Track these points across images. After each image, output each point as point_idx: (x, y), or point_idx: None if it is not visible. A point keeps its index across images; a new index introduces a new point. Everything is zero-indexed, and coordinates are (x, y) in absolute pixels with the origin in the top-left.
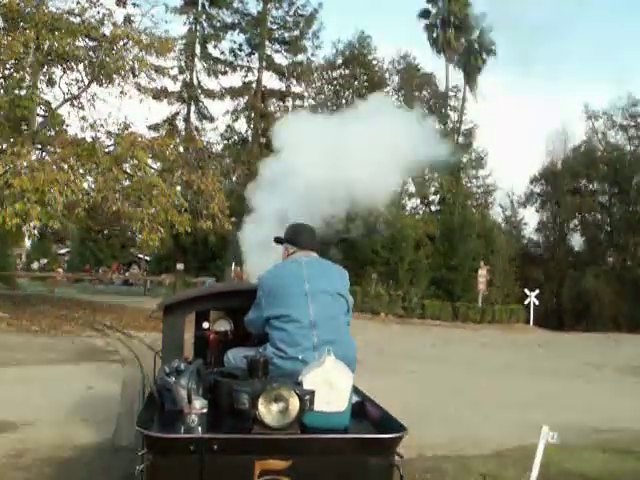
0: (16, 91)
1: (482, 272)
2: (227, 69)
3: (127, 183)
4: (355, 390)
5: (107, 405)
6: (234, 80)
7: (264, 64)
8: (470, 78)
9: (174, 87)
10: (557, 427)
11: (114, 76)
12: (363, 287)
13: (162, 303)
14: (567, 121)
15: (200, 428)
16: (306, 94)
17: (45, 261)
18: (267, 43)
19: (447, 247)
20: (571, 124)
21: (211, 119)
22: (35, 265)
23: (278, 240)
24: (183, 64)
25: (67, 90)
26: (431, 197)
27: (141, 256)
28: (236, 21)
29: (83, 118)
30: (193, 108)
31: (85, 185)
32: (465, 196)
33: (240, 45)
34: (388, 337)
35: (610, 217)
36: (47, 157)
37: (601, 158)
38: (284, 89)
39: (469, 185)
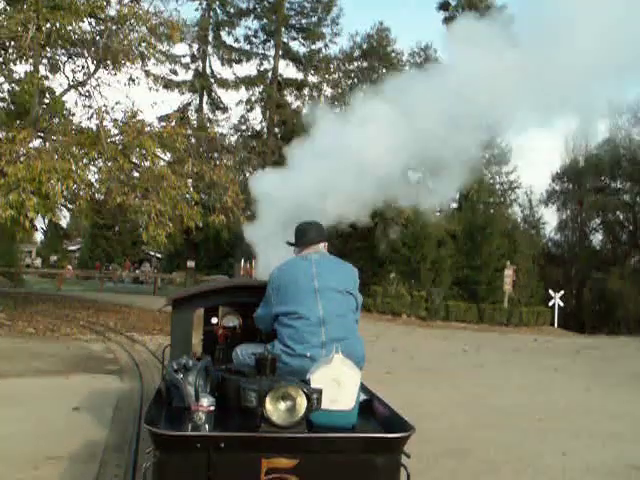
0: (15, 75)
1: (508, 272)
2: (242, 57)
3: (135, 174)
4: (363, 388)
5: (92, 434)
6: (249, 69)
7: (280, 52)
8: None
9: (186, 76)
10: None
11: (122, 61)
12: (384, 287)
13: (171, 297)
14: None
15: (207, 426)
16: (324, 86)
17: (55, 258)
18: (283, 30)
19: (470, 246)
20: (593, 120)
21: (224, 110)
22: (38, 261)
23: (290, 244)
24: (195, 52)
25: (72, 77)
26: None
27: (153, 253)
28: (251, 7)
29: (89, 107)
30: (206, 98)
31: (89, 176)
32: (489, 193)
33: (255, 32)
34: (414, 342)
35: (634, 216)
36: (47, 145)
37: (625, 155)
38: (301, 78)
39: (492, 182)
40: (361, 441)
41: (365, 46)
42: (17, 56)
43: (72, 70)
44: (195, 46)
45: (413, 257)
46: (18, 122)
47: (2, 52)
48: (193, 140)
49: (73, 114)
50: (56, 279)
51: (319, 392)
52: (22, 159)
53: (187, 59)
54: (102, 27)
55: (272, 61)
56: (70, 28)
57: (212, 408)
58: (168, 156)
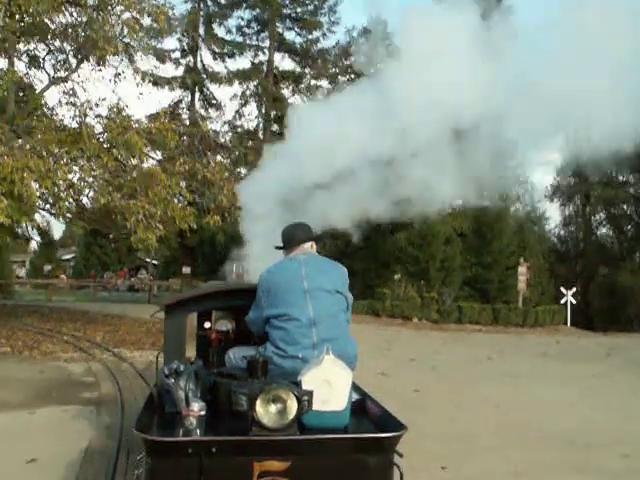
0: None
1: (522, 270)
2: (235, 51)
3: (122, 173)
4: (355, 388)
5: None
6: (242, 63)
7: (275, 43)
8: None
9: (176, 72)
10: None
11: (104, 48)
12: (392, 289)
13: (163, 302)
14: None
15: (199, 430)
16: (321, 80)
17: (49, 267)
18: (278, 20)
19: (479, 243)
20: None
21: (217, 107)
22: (22, 272)
23: (278, 248)
24: (186, 46)
25: (54, 73)
26: None
27: (149, 260)
28: None
29: (74, 105)
30: (198, 95)
31: (70, 175)
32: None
33: (248, 22)
34: (431, 349)
35: None
36: (20, 142)
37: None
38: (298, 71)
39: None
40: (353, 441)
41: (362, 40)
42: None
43: (53, 65)
44: (185, 40)
45: (422, 256)
46: None
47: None
48: (185, 137)
49: (56, 114)
50: (48, 290)
51: (310, 394)
52: None
53: (177, 54)
54: (83, 17)
55: (267, 53)
56: (46, 18)
57: (203, 413)
58: (159, 155)
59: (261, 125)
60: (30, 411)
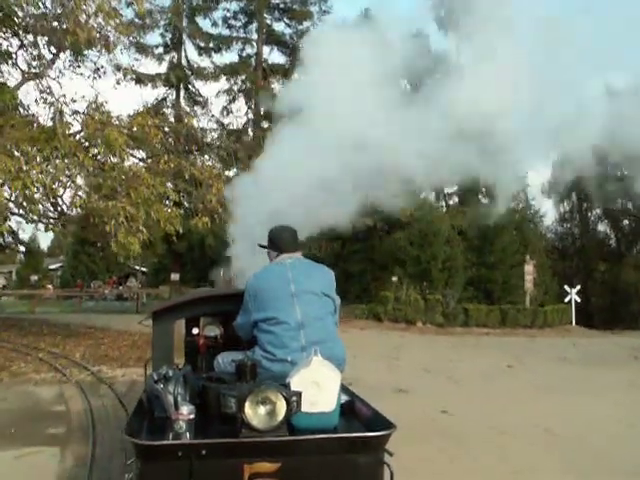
0: None
1: (529, 268)
2: (221, 45)
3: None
4: (344, 389)
5: None
6: (229, 58)
7: (264, 35)
8: None
9: (160, 69)
10: None
11: (77, 34)
12: (393, 292)
13: (151, 310)
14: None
15: (188, 434)
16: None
17: (36, 277)
18: (266, 10)
19: (481, 242)
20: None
21: (204, 104)
22: (1, 282)
23: (262, 246)
24: (169, 41)
25: (27, 69)
26: (446, 190)
27: (138, 268)
28: None
29: (51, 104)
30: (182, 92)
31: (43, 176)
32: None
33: (235, 14)
34: (443, 357)
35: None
36: None
37: None
38: (288, 64)
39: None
40: (342, 441)
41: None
42: None
43: (26, 61)
44: (169, 35)
45: (423, 257)
46: None
47: None
48: (171, 134)
49: (33, 114)
50: (32, 301)
51: (298, 395)
52: None
53: (160, 50)
54: (57, 9)
55: (255, 45)
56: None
57: (192, 416)
58: (142, 153)
59: (251, 122)
60: None
